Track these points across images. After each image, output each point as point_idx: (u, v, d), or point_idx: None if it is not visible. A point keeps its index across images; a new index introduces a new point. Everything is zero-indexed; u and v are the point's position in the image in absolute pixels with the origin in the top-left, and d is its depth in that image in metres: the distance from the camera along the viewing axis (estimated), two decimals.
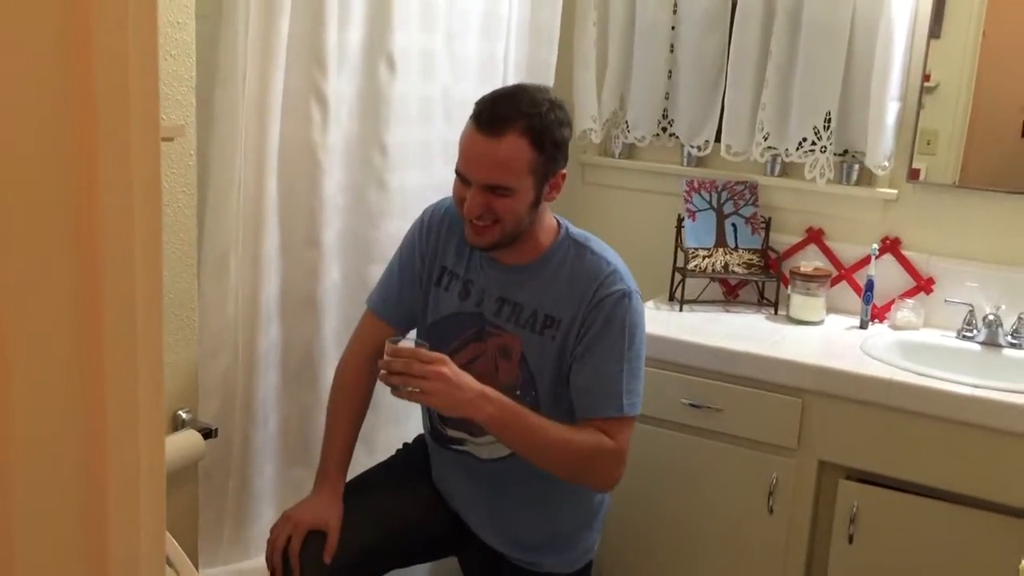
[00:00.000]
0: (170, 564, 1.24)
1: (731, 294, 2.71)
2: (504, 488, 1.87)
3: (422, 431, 2.04)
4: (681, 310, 2.57)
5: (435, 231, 1.89)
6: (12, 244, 0.61)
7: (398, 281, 1.91)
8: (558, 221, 1.85)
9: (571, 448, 1.70)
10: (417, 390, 1.59)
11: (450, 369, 1.60)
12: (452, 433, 1.88)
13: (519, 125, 1.65)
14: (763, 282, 2.66)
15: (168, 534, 1.17)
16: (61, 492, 0.66)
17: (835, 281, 2.60)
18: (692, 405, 2.29)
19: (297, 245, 2.00)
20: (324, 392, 2.06)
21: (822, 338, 2.41)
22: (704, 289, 2.65)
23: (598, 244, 1.83)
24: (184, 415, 1.72)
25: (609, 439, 1.72)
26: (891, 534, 2.14)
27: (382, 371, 1.61)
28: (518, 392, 1.78)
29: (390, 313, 1.90)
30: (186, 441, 1.67)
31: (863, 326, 2.48)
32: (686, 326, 2.42)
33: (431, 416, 1.93)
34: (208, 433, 1.73)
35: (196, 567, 1.83)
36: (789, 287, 2.56)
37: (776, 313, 2.59)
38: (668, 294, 2.66)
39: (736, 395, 2.25)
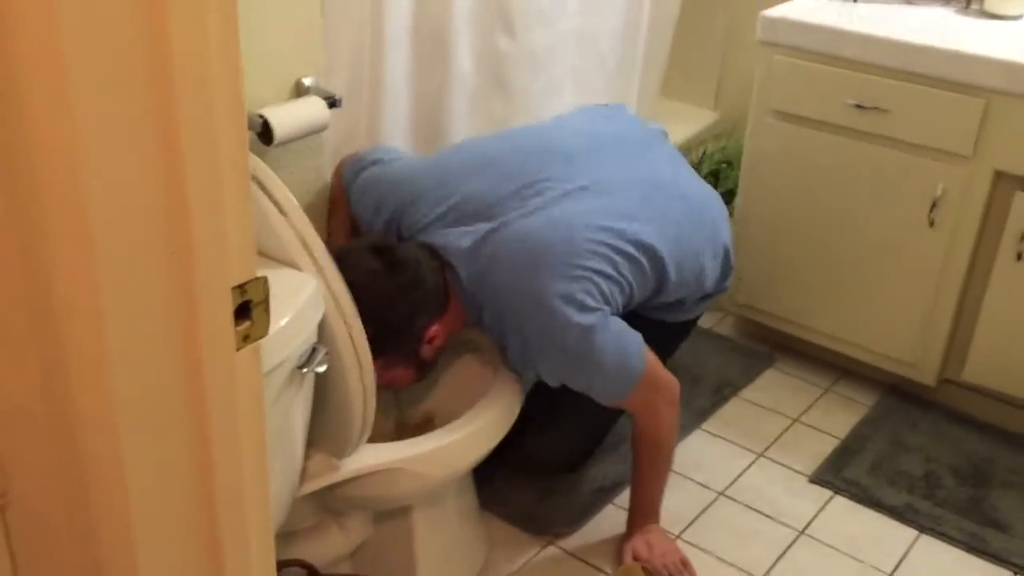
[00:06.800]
0: (260, 185, 1.21)
1: None
2: None
3: None
4: (856, 1, 2.28)
5: None
6: None
7: None
8: (457, 299, 1.64)
9: (664, 454, 1.76)
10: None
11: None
12: None
13: None
14: None
15: (254, 156, 1.12)
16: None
17: None
18: (857, 106, 2.08)
19: None
20: (456, 73, 1.96)
21: (1020, 33, 2.09)
22: None
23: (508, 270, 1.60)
24: (307, 82, 1.66)
25: (642, 416, 1.70)
26: None
27: None
28: None
29: None
30: (309, 107, 1.61)
31: None
32: (859, 19, 2.15)
33: None
34: (333, 102, 1.67)
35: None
36: None
37: (968, 7, 2.26)
38: None
39: (908, 95, 2.02)
